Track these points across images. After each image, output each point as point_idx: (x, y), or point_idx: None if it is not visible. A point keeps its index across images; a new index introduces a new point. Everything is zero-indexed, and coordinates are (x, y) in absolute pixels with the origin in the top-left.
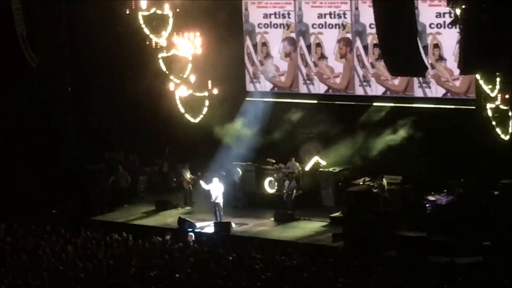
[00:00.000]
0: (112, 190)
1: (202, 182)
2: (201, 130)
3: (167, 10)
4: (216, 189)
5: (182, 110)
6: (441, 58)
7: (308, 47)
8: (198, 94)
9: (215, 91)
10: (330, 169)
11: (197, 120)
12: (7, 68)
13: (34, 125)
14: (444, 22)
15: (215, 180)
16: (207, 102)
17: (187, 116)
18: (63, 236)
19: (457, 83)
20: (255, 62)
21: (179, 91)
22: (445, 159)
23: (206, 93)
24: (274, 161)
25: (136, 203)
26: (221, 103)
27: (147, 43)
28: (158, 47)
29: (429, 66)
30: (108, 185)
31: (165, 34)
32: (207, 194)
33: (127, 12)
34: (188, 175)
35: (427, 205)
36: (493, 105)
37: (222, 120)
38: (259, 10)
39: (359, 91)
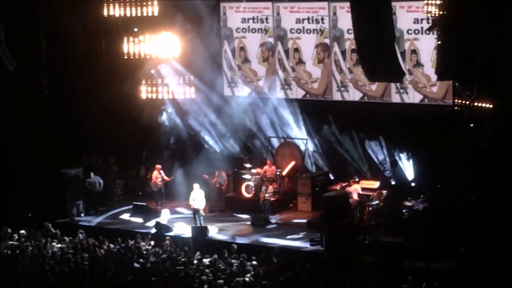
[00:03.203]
0: (86, 194)
1: (196, 189)
2: (178, 134)
3: (145, 13)
4: (196, 195)
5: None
6: (418, 64)
7: (286, 52)
8: (177, 97)
9: (193, 96)
10: (307, 174)
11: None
12: None
13: (10, 128)
14: (422, 28)
15: (196, 186)
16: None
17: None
18: (39, 240)
19: (435, 89)
20: (233, 66)
21: (155, 94)
22: (422, 164)
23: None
24: (251, 165)
25: (113, 207)
26: (199, 107)
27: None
28: (137, 50)
29: (406, 72)
30: (83, 189)
31: (143, 37)
32: (180, 196)
33: (106, 15)
34: (159, 176)
35: (403, 211)
36: (470, 111)
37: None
38: (237, 15)
39: (337, 96)
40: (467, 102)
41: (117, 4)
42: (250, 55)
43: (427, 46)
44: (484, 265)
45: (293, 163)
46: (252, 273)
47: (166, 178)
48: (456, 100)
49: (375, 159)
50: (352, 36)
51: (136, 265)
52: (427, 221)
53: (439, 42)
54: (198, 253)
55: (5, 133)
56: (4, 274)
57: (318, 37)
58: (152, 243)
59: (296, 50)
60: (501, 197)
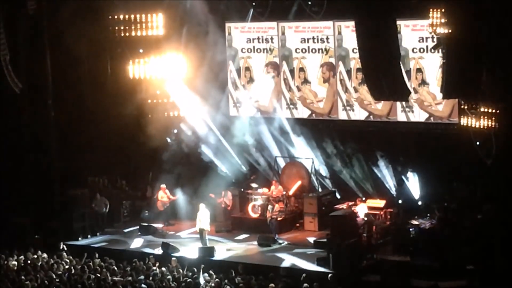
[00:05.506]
0: (92, 216)
1: (202, 209)
2: (184, 154)
3: (151, 33)
4: (202, 215)
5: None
6: (424, 83)
7: (291, 71)
8: (183, 117)
9: (198, 115)
10: (314, 193)
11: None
12: None
13: (15, 149)
14: (427, 46)
15: (202, 206)
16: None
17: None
18: (46, 261)
19: (440, 107)
20: (238, 86)
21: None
22: (428, 183)
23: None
24: (257, 185)
25: (120, 228)
26: (204, 127)
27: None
28: (142, 71)
29: (412, 90)
30: (89, 210)
31: (148, 58)
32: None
33: (112, 36)
34: (164, 195)
35: (410, 229)
36: (476, 129)
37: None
38: (242, 35)
39: (343, 115)
40: (473, 120)
41: (122, 25)
42: (255, 75)
43: (432, 65)
44: (491, 283)
45: (299, 182)
46: None
47: (171, 197)
48: (461, 119)
49: (381, 178)
50: (357, 55)
51: (143, 286)
52: (434, 240)
53: (444, 61)
54: (205, 273)
55: (11, 154)
56: None
57: (323, 57)
58: (157, 264)
59: (302, 69)
60: (508, 214)
